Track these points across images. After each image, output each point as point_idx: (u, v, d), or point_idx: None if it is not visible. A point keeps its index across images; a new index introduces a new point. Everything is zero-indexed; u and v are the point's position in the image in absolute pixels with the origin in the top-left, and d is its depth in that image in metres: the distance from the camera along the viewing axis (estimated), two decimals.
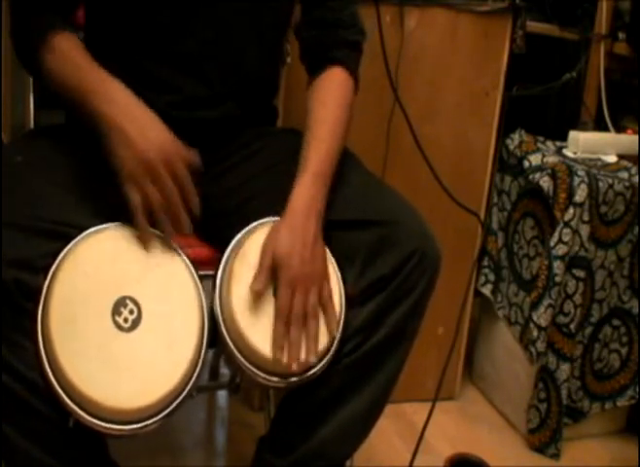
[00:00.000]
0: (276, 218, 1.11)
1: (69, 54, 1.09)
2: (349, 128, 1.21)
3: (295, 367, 1.04)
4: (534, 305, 1.75)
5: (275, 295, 1.06)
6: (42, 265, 0.97)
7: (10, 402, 0.95)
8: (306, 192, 1.11)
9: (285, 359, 1.04)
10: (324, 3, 1.25)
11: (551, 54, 2.27)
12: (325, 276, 1.10)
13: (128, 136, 1.01)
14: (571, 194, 1.70)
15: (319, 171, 1.13)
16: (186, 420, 1.80)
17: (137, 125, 1.02)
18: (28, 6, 1.13)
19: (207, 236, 1.22)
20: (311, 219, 1.10)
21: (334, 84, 1.23)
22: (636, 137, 1.93)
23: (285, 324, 1.05)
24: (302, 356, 1.05)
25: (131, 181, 1.01)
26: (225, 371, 1.80)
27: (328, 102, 1.21)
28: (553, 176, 1.74)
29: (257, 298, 1.05)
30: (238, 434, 1.79)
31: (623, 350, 1.85)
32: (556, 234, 1.71)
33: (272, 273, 1.06)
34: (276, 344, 1.04)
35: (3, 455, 0.98)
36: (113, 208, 1.08)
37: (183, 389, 1.00)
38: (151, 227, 1.03)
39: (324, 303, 1.09)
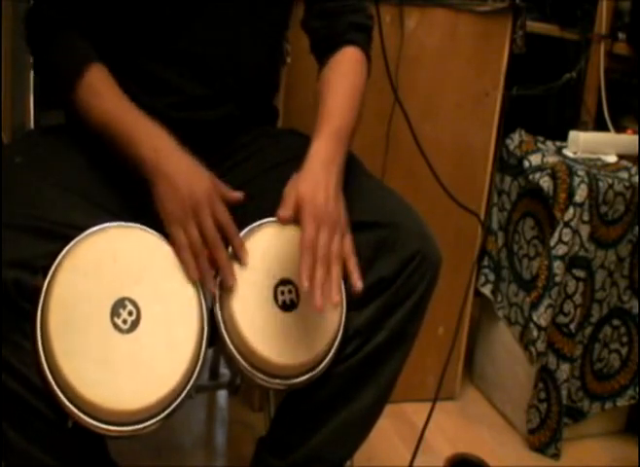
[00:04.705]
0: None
1: (103, 92, 1.10)
2: (363, 105, 1.19)
3: (320, 304, 0.98)
4: (534, 305, 1.75)
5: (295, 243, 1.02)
6: (41, 265, 0.97)
7: (10, 402, 0.95)
8: (324, 146, 1.10)
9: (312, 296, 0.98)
10: None
11: (551, 54, 2.27)
12: (348, 226, 1.07)
13: (176, 185, 1.03)
14: (571, 194, 1.70)
15: (336, 129, 1.12)
16: (186, 420, 1.80)
17: (183, 174, 1.04)
18: (46, 21, 1.14)
19: None
20: (332, 171, 1.08)
21: (348, 59, 1.23)
22: (636, 137, 1.93)
23: (311, 260, 1.00)
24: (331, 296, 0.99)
25: (177, 224, 1.03)
26: (225, 371, 1.80)
27: (343, 72, 1.20)
28: (553, 176, 1.74)
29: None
30: (238, 434, 1.79)
31: (623, 350, 1.85)
32: (556, 234, 1.71)
33: (295, 213, 1.04)
34: (302, 278, 0.98)
35: (3, 455, 0.98)
36: (113, 208, 1.08)
37: (182, 390, 1.00)
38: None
39: (346, 253, 1.05)
